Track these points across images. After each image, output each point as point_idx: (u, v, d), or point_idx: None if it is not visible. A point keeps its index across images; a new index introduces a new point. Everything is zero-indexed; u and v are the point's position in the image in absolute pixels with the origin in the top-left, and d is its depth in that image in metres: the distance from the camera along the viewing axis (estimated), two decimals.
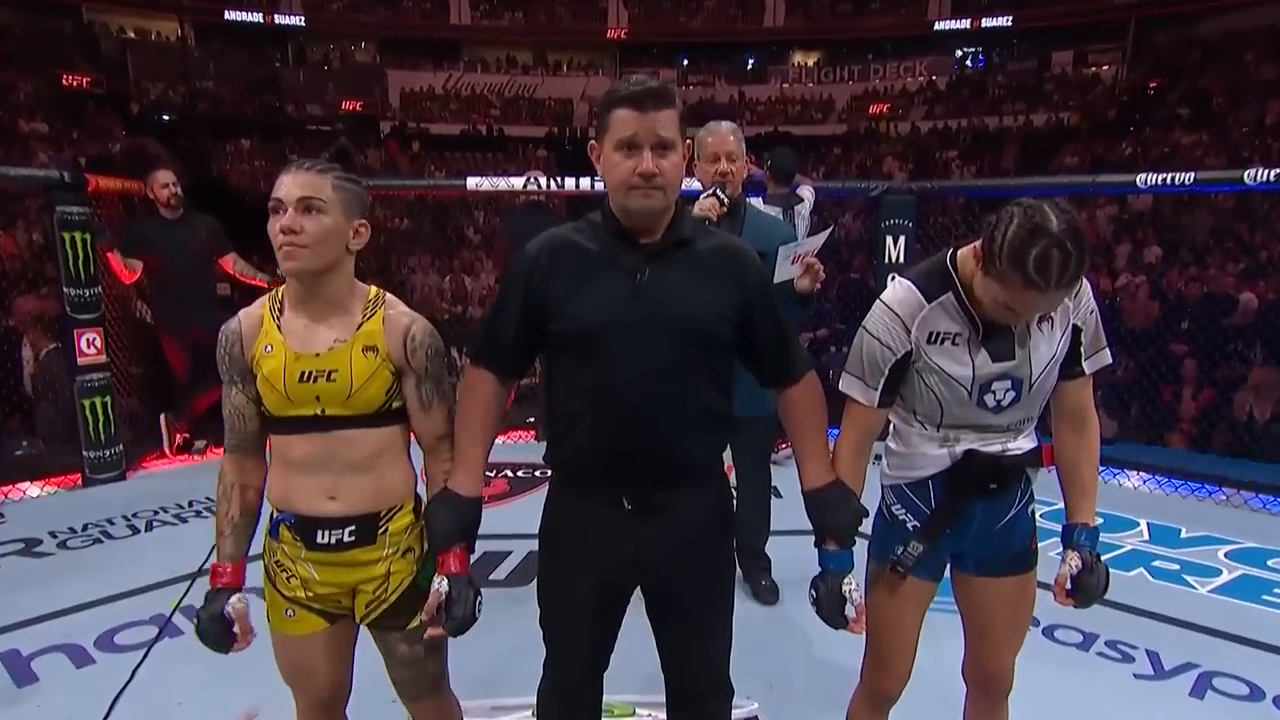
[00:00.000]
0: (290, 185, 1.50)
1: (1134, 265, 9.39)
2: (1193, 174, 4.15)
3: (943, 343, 1.57)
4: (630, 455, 1.53)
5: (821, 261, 2.75)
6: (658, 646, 1.70)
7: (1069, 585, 1.65)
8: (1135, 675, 2.63)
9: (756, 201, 4.00)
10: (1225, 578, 3.36)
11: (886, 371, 1.60)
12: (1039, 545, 1.74)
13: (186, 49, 20.94)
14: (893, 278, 1.73)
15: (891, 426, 1.74)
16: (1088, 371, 1.64)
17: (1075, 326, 1.59)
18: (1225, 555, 3.58)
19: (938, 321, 1.57)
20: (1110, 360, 1.66)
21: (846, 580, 1.60)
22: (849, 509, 1.61)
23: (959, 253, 1.58)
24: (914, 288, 1.59)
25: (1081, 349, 1.62)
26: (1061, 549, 1.70)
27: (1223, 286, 7.35)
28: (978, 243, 1.49)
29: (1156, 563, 3.50)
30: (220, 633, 1.56)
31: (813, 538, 1.66)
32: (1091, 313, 1.60)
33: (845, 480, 1.64)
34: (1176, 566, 3.47)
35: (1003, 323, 1.53)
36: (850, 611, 1.60)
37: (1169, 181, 4.17)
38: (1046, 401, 1.66)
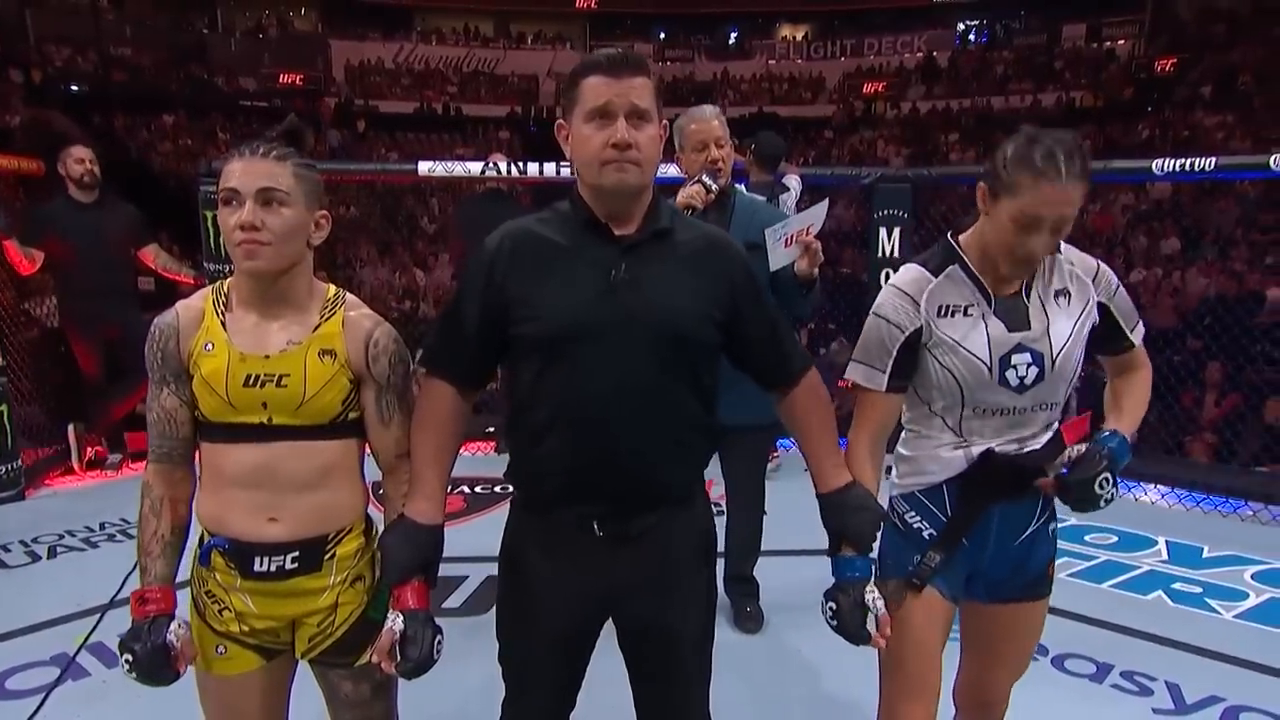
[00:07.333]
0: (246, 174, 1.47)
1: (1151, 258, 9.55)
2: (1215, 159, 4.21)
3: (953, 315, 1.64)
4: (602, 474, 1.51)
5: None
6: (632, 685, 1.69)
7: (1064, 470, 1.64)
8: (1154, 710, 2.64)
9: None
10: (1252, 601, 3.39)
11: (895, 351, 1.66)
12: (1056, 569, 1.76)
13: (98, 9, 20.29)
14: (886, 273, 1.79)
15: (903, 433, 1.78)
16: (1137, 343, 1.74)
17: (1103, 305, 1.69)
18: (1252, 577, 3.62)
19: (946, 294, 1.66)
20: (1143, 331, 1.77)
21: (869, 589, 1.60)
22: (870, 510, 1.62)
23: (960, 235, 1.70)
24: (919, 266, 1.71)
25: (1122, 324, 1.72)
26: None
27: (1248, 282, 7.49)
28: (979, 206, 1.62)
29: (1177, 585, 3.53)
30: (161, 664, 1.51)
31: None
32: (1117, 289, 1.72)
33: (861, 481, 1.66)
34: (1199, 589, 3.50)
35: (1019, 270, 1.60)
36: (872, 625, 1.58)
37: (1189, 168, 4.23)
38: (1069, 393, 1.71)
